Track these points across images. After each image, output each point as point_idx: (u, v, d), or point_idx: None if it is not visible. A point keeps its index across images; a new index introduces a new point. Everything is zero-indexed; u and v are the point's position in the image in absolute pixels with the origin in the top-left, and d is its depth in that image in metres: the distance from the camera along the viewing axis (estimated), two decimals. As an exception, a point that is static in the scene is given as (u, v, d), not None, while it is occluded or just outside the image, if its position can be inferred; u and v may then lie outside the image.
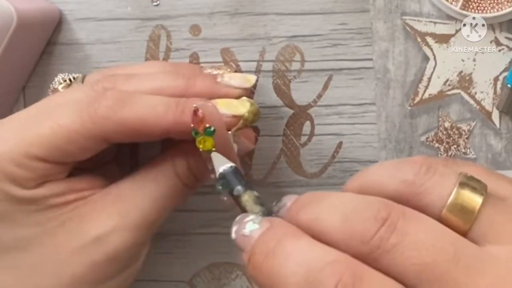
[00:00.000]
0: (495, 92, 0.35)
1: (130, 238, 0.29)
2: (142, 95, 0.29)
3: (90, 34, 0.36)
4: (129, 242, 0.29)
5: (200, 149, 0.28)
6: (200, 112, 0.27)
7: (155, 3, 0.36)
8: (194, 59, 0.36)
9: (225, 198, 0.28)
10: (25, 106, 0.37)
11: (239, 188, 0.26)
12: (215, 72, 0.33)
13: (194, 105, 0.28)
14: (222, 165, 0.27)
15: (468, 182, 0.23)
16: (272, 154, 0.36)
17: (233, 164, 0.27)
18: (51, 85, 0.33)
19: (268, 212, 0.25)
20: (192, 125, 0.28)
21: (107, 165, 0.33)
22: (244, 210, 0.25)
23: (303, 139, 0.36)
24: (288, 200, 0.25)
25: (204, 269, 0.36)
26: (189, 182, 0.30)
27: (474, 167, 0.25)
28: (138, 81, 0.30)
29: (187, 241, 0.36)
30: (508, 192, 0.24)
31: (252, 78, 0.32)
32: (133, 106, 0.28)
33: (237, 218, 0.25)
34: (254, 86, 0.33)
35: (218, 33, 0.36)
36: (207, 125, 0.27)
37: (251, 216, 0.24)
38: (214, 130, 0.28)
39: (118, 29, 0.36)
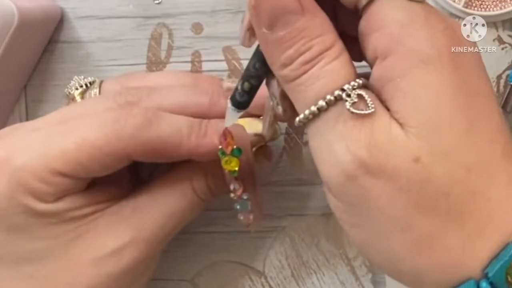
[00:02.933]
0: (498, 91, 0.34)
1: (146, 251, 0.29)
2: (168, 115, 0.28)
3: (92, 32, 0.36)
4: (144, 255, 0.29)
5: (226, 170, 0.28)
6: (230, 135, 0.27)
7: (157, 1, 0.36)
8: (196, 57, 0.36)
9: (242, 218, 0.29)
10: (26, 104, 0.37)
11: None
12: (234, 85, 0.32)
13: (226, 127, 0.27)
14: None
15: None
16: (274, 152, 0.36)
17: None
18: (66, 89, 0.33)
19: None
20: (220, 146, 0.27)
21: (120, 172, 0.33)
22: None
23: (306, 137, 0.36)
24: None
25: (206, 268, 0.36)
26: (205, 197, 0.30)
27: None
28: (161, 96, 0.30)
29: (189, 240, 0.36)
30: None
31: None
32: (159, 127, 0.28)
33: None
34: None
35: (220, 31, 0.36)
36: (235, 146, 0.27)
37: None
38: (241, 151, 0.27)
39: (119, 27, 0.36)
